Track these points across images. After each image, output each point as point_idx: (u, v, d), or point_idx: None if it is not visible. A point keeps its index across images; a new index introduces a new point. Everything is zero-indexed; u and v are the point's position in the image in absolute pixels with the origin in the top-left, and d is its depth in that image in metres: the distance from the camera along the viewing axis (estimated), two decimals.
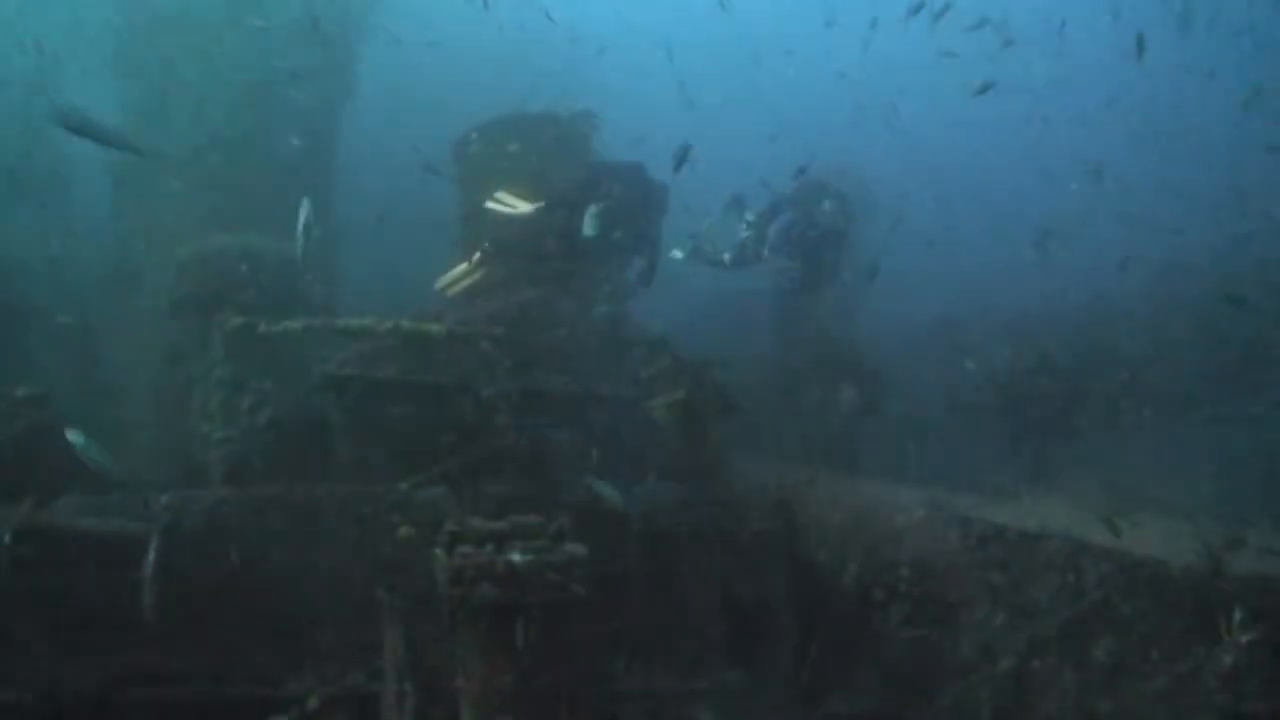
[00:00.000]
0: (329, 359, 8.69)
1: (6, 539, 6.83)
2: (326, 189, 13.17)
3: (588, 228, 9.75)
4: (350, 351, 8.70)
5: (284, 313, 9.13)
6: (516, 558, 5.24)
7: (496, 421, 8.68)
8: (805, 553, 9.23)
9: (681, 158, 9.63)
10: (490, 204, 10.53)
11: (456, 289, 10.54)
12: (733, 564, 8.98)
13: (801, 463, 11.10)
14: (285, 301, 9.94)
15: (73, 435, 7.54)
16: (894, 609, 8.12)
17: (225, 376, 8.62)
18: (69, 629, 6.83)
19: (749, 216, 11.42)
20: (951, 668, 7.43)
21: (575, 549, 5.50)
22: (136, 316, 12.49)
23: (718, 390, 9.86)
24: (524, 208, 10.37)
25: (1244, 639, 4.84)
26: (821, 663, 9.21)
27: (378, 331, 8.71)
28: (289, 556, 7.32)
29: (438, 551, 5.49)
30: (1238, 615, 4.90)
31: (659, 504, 8.78)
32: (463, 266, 10.59)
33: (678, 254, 11.78)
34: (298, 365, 8.79)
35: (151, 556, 6.84)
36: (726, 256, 11.95)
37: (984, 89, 10.45)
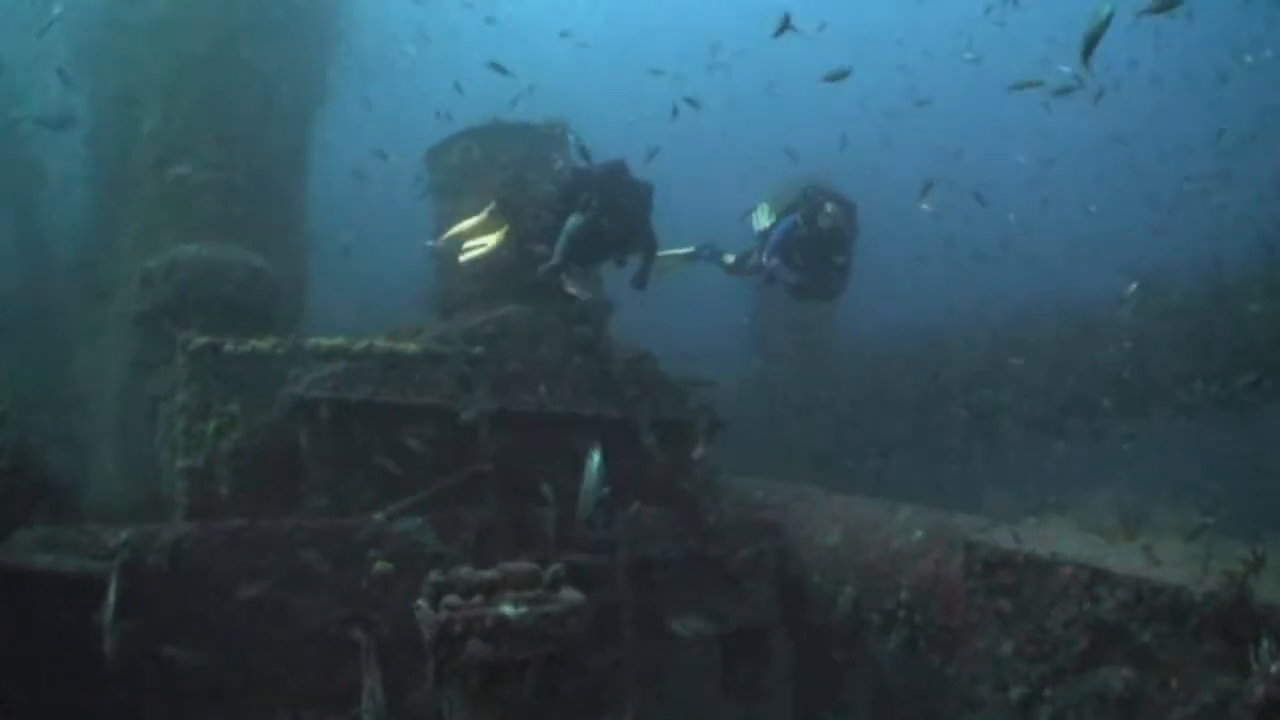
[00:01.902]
0: (299, 380, 8.25)
1: None
2: (299, 198, 12.74)
3: (558, 255, 9.41)
4: (322, 372, 8.27)
5: (252, 330, 8.72)
6: (508, 610, 4.86)
7: (477, 445, 8.32)
8: (797, 576, 8.96)
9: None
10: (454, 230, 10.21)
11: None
12: (724, 590, 8.68)
13: (787, 478, 10.86)
14: (255, 317, 9.57)
15: None
16: (894, 634, 7.85)
17: (188, 400, 8.14)
18: (26, 675, 6.39)
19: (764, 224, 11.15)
20: (956, 696, 7.18)
21: (572, 596, 5.13)
22: (105, 327, 12.03)
23: (705, 410, 9.55)
24: (491, 241, 10.03)
25: (1274, 669, 4.57)
26: (815, 688, 8.98)
27: (351, 351, 8.31)
28: (258, 595, 6.90)
29: (421, 604, 5.09)
30: (1265, 644, 4.65)
31: (647, 532, 8.44)
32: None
33: (686, 250, 11.59)
34: (266, 387, 8.35)
35: (111, 598, 6.40)
36: (730, 258, 11.68)
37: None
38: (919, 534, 8.01)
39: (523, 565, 5.20)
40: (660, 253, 10.32)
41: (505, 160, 10.54)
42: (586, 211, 9.36)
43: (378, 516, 7.52)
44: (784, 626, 9.02)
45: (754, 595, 8.80)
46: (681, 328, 15.15)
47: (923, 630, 7.57)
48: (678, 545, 8.53)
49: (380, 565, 7.11)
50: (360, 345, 8.33)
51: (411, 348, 8.47)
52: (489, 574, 5.09)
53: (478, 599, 4.95)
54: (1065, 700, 5.99)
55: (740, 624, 8.68)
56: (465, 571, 5.10)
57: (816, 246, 10.10)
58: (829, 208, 9.90)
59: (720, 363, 13.80)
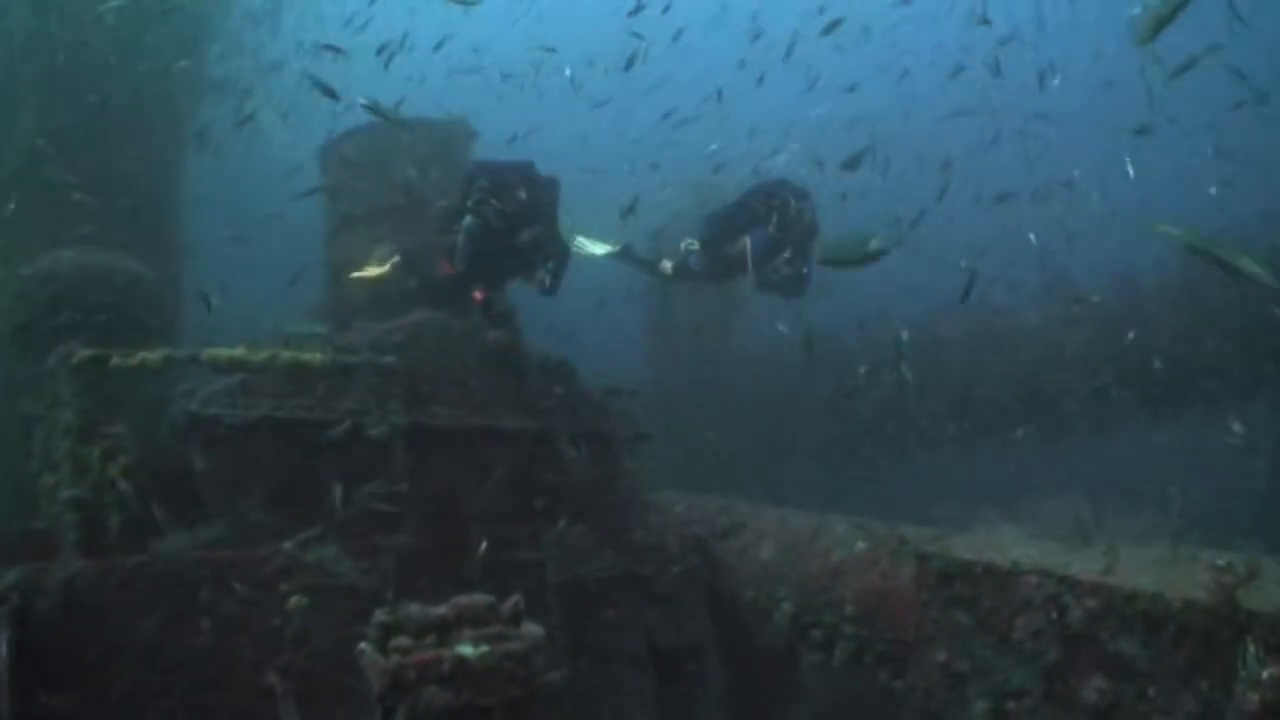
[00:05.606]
0: (192, 396, 7.54)
1: None
2: (175, 201, 11.96)
3: (460, 260, 8.91)
4: (218, 386, 7.58)
5: (134, 341, 7.96)
6: (468, 651, 4.35)
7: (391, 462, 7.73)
8: (730, 592, 8.62)
9: None
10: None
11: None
12: (655, 609, 8.29)
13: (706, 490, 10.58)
14: (137, 326, 8.88)
15: None
16: (838, 649, 7.55)
17: (71, 421, 7.35)
18: None
19: (691, 245, 10.77)
20: (907, 711, 6.96)
21: (534, 630, 4.64)
22: None
23: (626, 420, 9.14)
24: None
25: (1265, 674, 4.43)
26: (753, 708, 8.69)
27: (251, 363, 7.62)
28: (163, 638, 6.24)
29: (366, 648, 4.52)
30: (1253, 650, 4.53)
31: (573, 550, 8.00)
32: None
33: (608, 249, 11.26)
34: (156, 404, 7.63)
35: (4, 649, 5.67)
36: (667, 265, 11.24)
37: None
38: (861, 545, 7.74)
39: (477, 598, 4.69)
40: (580, 250, 9.91)
41: (405, 159, 9.97)
42: (474, 195, 8.88)
43: (287, 545, 6.89)
44: (718, 645, 8.68)
45: (687, 613, 8.44)
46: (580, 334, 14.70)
47: (870, 645, 7.31)
48: (607, 563, 8.11)
49: (295, 600, 6.50)
50: (262, 356, 7.66)
51: (317, 358, 7.84)
52: (441, 610, 4.56)
53: (431, 640, 4.42)
54: (1033, 712, 5.78)
55: (674, 644, 8.31)
56: (415, 610, 4.56)
57: (794, 243, 9.87)
58: (798, 205, 9.70)
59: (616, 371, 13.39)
